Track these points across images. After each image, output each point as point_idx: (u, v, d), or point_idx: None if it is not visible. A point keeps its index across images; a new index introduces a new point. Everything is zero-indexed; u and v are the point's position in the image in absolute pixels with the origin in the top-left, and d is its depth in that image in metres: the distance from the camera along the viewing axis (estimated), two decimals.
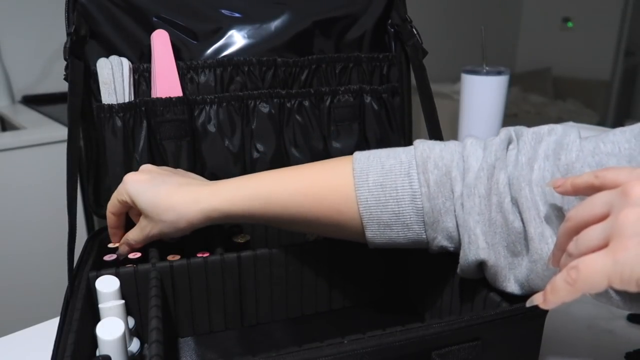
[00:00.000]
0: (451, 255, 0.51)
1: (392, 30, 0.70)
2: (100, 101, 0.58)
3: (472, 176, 0.43)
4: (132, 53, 0.61)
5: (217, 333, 0.54)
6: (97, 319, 0.44)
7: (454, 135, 0.94)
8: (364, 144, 0.69)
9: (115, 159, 0.59)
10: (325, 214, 0.47)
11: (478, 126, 0.94)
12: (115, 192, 0.52)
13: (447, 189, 0.44)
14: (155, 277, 0.48)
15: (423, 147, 0.46)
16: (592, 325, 0.56)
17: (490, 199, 0.42)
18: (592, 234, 0.30)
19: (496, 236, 0.42)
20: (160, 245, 0.54)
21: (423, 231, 0.45)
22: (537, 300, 0.32)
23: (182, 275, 0.51)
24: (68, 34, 0.56)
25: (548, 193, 0.39)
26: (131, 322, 0.49)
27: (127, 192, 0.50)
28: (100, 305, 0.45)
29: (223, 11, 0.64)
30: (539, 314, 0.42)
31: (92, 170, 0.60)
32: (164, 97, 0.59)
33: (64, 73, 0.55)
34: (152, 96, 0.60)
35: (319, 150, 0.67)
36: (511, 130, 0.45)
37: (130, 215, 0.54)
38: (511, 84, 0.98)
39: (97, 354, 0.41)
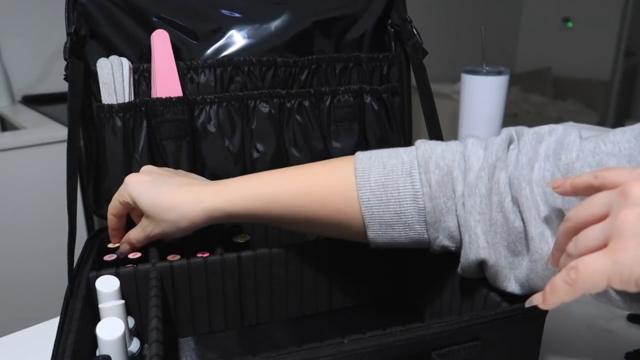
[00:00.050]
0: (451, 255, 0.51)
1: (392, 30, 0.70)
2: (100, 101, 0.58)
3: (473, 176, 0.43)
4: (132, 53, 0.61)
5: (217, 333, 0.54)
6: (97, 319, 0.44)
7: (454, 135, 0.94)
8: (364, 144, 0.69)
9: (115, 159, 0.59)
10: (327, 213, 0.47)
11: (478, 126, 0.94)
12: (117, 193, 0.52)
13: (448, 188, 0.44)
14: (155, 277, 0.48)
15: (425, 147, 0.46)
16: (592, 325, 0.56)
17: (491, 198, 0.42)
18: (591, 235, 0.30)
19: (497, 236, 0.42)
20: (160, 245, 0.54)
21: (425, 231, 0.46)
22: (536, 300, 0.32)
23: (182, 275, 0.51)
24: (68, 34, 0.56)
25: (548, 193, 0.40)
26: (131, 322, 0.49)
27: (129, 193, 0.50)
28: (100, 305, 0.45)
29: (223, 11, 0.64)
30: (539, 314, 0.42)
31: (92, 170, 0.60)
32: (164, 97, 0.59)
33: (64, 73, 0.55)
34: (152, 96, 0.60)
35: (319, 150, 0.67)
36: (512, 130, 0.45)
37: (131, 217, 0.54)
38: (511, 84, 0.98)
39: (97, 354, 0.41)
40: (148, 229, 0.50)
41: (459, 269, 0.47)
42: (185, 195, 0.49)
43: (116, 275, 0.48)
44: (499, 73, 0.92)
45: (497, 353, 0.41)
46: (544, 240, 0.39)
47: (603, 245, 0.29)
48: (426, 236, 0.46)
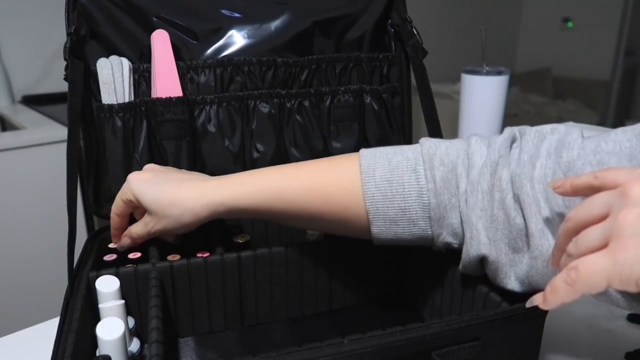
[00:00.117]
0: (451, 255, 0.51)
1: (392, 30, 0.70)
2: (100, 101, 0.58)
3: (475, 172, 0.44)
4: (132, 53, 0.61)
5: (217, 333, 0.54)
6: (97, 319, 0.44)
7: (454, 135, 0.94)
8: (364, 144, 0.68)
9: (115, 159, 0.59)
10: (331, 209, 0.47)
11: (478, 126, 0.94)
12: (119, 192, 0.52)
13: (452, 185, 0.45)
14: (155, 277, 0.48)
15: (429, 144, 0.47)
16: (592, 325, 0.56)
17: (493, 195, 0.42)
18: (591, 235, 0.30)
19: (498, 232, 0.43)
20: (160, 245, 0.54)
21: (429, 227, 0.46)
22: (536, 300, 0.32)
23: (182, 275, 0.51)
24: (68, 34, 0.56)
25: (549, 190, 0.40)
26: (131, 322, 0.49)
27: (132, 191, 0.50)
28: (100, 305, 0.45)
29: (223, 11, 0.64)
30: (539, 314, 0.42)
31: (92, 170, 0.60)
32: (164, 97, 0.59)
33: (64, 73, 0.55)
34: (152, 96, 0.60)
35: (319, 150, 0.67)
36: (515, 129, 0.46)
37: (134, 216, 0.54)
38: (511, 84, 0.98)
39: (97, 354, 0.41)
40: (150, 225, 0.50)
41: (460, 266, 0.47)
42: (188, 190, 0.49)
43: (116, 275, 0.48)
44: (499, 73, 0.92)
45: (497, 353, 0.41)
46: (544, 237, 0.40)
47: (603, 246, 0.29)
48: (430, 233, 0.46)
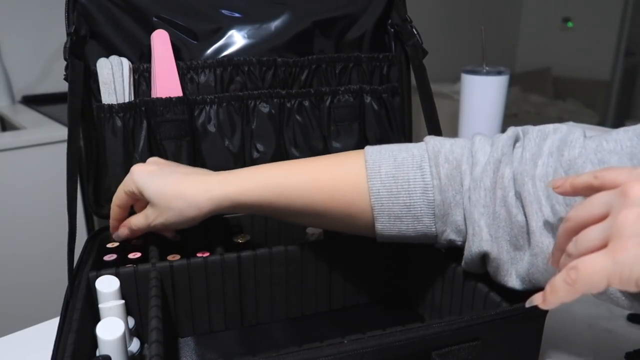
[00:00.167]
0: (451, 255, 0.51)
1: (392, 30, 0.70)
2: (100, 101, 0.58)
3: (479, 170, 0.44)
4: (132, 53, 0.61)
5: (217, 333, 0.54)
6: (97, 319, 0.44)
7: (454, 135, 0.93)
8: (364, 144, 0.68)
9: (115, 159, 0.59)
10: (336, 205, 0.47)
11: (478, 126, 0.94)
12: (122, 184, 0.51)
13: (457, 182, 0.45)
14: (155, 277, 0.48)
15: (434, 142, 0.47)
16: (592, 325, 0.56)
17: (495, 192, 0.43)
18: (591, 235, 0.30)
19: (499, 230, 0.43)
20: (160, 245, 0.54)
21: (433, 224, 0.46)
22: (536, 300, 0.32)
23: (182, 275, 0.51)
24: (68, 34, 0.56)
25: (551, 188, 0.40)
26: (131, 322, 0.49)
27: (135, 183, 0.50)
28: (100, 305, 0.45)
29: (223, 11, 0.64)
30: (539, 313, 0.42)
31: (92, 170, 0.60)
32: (164, 97, 0.59)
33: (64, 73, 0.55)
34: (152, 96, 0.60)
35: (319, 150, 0.67)
36: (518, 129, 0.46)
37: (135, 209, 0.54)
38: (511, 84, 0.98)
39: (97, 354, 0.41)
40: (151, 218, 0.50)
41: (462, 263, 0.47)
42: (193, 184, 0.49)
43: (116, 275, 0.48)
44: (499, 73, 0.92)
45: (497, 353, 0.41)
46: (544, 235, 0.40)
47: (603, 246, 0.29)
48: (434, 230, 0.46)
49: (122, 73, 0.59)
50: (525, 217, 0.41)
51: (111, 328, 0.40)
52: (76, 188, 0.52)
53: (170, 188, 0.49)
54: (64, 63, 0.55)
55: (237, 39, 0.64)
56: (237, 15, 0.64)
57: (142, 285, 0.49)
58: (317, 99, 0.66)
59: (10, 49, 1.79)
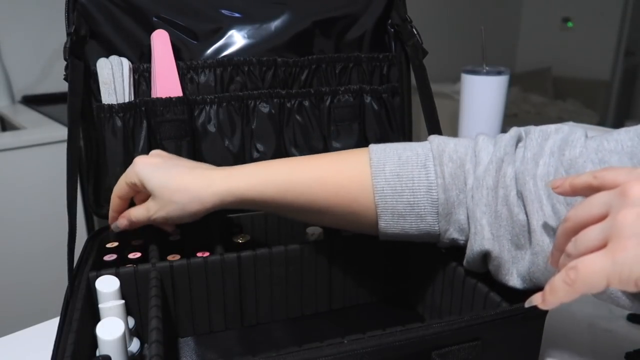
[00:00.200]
0: (452, 255, 0.51)
1: (392, 30, 0.70)
2: (100, 101, 0.58)
3: (482, 169, 0.44)
4: (132, 53, 0.61)
5: (217, 333, 0.54)
6: (97, 319, 0.44)
7: (454, 135, 0.94)
8: (364, 144, 0.68)
9: (115, 159, 0.59)
10: (340, 202, 0.47)
11: (478, 126, 0.94)
12: (124, 175, 0.51)
13: (460, 181, 0.45)
14: (155, 277, 0.48)
15: (438, 141, 0.47)
16: (592, 325, 0.56)
17: (497, 191, 0.43)
18: (590, 235, 0.30)
19: (501, 229, 0.43)
20: (160, 245, 0.54)
21: (436, 223, 0.46)
22: (535, 300, 0.32)
23: (182, 275, 0.51)
24: (68, 34, 0.56)
25: None
26: (131, 322, 0.49)
27: (137, 174, 0.49)
28: (100, 305, 0.45)
29: (223, 11, 0.64)
30: (539, 314, 0.42)
31: (92, 170, 0.60)
32: (164, 97, 0.59)
33: (64, 73, 0.55)
34: (152, 96, 0.60)
35: (319, 150, 0.67)
36: (521, 129, 0.46)
37: (135, 201, 0.53)
38: (511, 84, 0.98)
39: (97, 354, 0.41)
40: (152, 210, 0.50)
41: (464, 262, 0.47)
42: (197, 178, 0.49)
43: (116, 275, 0.48)
44: (499, 73, 0.92)
45: (497, 353, 0.41)
46: (545, 233, 0.40)
47: (602, 246, 0.29)
48: (437, 228, 0.46)
49: (122, 73, 0.59)
50: (527, 216, 0.41)
51: (111, 328, 0.40)
52: (76, 188, 0.52)
53: (173, 181, 0.48)
54: (64, 63, 0.55)
55: (237, 39, 0.64)
56: (237, 15, 0.64)
57: (142, 285, 0.49)
58: (317, 99, 0.66)
59: (10, 49, 1.79)
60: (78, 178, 0.54)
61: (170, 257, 0.52)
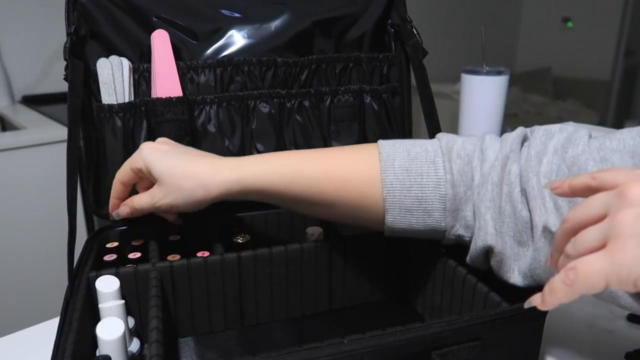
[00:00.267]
0: (452, 256, 0.51)
1: (392, 30, 0.70)
2: (100, 101, 0.58)
3: (488, 165, 0.45)
4: (132, 53, 0.61)
5: (217, 333, 0.54)
6: (97, 319, 0.44)
7: None
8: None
9: (115, 159, 0.59)
10: (347, 196, 0.48)
11: (478, 126, 0.94)
12: (129, 160, 0.51)
13: (468, 177, 0.46)
14: (155, 277, 0.48)
15: (447, 138, 0.48)
16: (592, 325, 0.56)
17: (502, 188, 0.44)
18: (589, 235, 0.30)
19: (504, 225, 0.44)
20: (160, 245, 0.54)
21: (443, 219, 0.46)
22: (535, 301, 0.32)
23: (182, 275, 0.51)
24: (68, 34, 0.56)
25: None
26: (131, 322, 0.49)
27: (143, 159, 0.49)
28: (100, 305, 0.45)
29: (223, 11, 0.64)
30: (539, 314, 0.42)
31: (92, 170, 0.60)
32: (164, 97, 0.59)
33: (64, 73, 0.55)
34: (152, 96, 0.60)
35: None
36: (526, 129, 0.47)
37: (137, 188, 0.53)
38: (511, 84, 0.98)
39: (97, 354, 0.41)
40: (157, 197, 0.49)
41: (467, 258, 0.48)
42: (205, 165, 0.48)
43: (116, 275, 0.48)
44: (499, 73, 0.92)
45: (497, 353, 0.41)
46: (547, 229, 0.40)
47: (601, 246, 0.29)
48: (443, 224, 0.47)
49: (122, 73, 0.59)
50: (529, 212, 0.42)
51: (111, 328, 0.40)
52: (76, 188, 0.52)
53: (180, 167, 0.48)
54: (64, 63, 0.55)
55: (237, 39, 0.64)
56: (237, 15, 0.64)
57: (142, 285, 0.49)
58: (317, 99, 0.66)
59: (10, 49, 1.79)
60: (78, 178, 0.54)
61: (170, 257, 0.52)
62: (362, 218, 0.49)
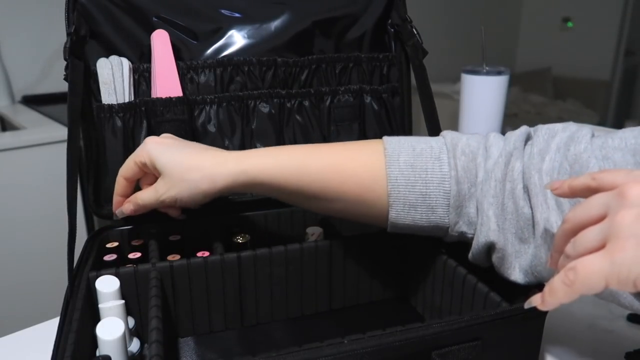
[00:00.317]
0: (452, 256, 0.51)
1: (392, 30, 0.70)
2: (100, 101, 0.58)
3: (491, 162, 0.45)
4: (132, 53, 0.61)
5: (217, 333, 0.54)
6: (97, 319, 0.44)
7: None
8: None
9: (115, 159, 0.59)
10: (352, 190, 0.48)
11: (478, 126, 0.94)
12: (133, 154, 0.51)
13: (472, 174, 0.46)
14: (155, 277, 0.48)
15: (452, 135, 0.48)
16: (592, 325, 0.56)
17: (505, 184, 0.44)
18: (589, 236, 0.30)
19: (506, 222, 0.44)
20: (160, 245, 0.54)
21: (446, 215, 0.47)
22: (535, 301, 0.32)
23: (182, 275, 0.51)
24: (68, 34, 0.56)
25: (556, 180, 0.41)
26: (131, 322, 0.49)
27: (148, 152, 0.49)
28: (100, 305, 0.45)
29: (223, 11, 0.64)
30: (539, 313, 0.42)
31: (92, 170, 0.60)
32: (164, 97, 0.59)
33: (64, 73, 0.55)
34: (152, 96, 0.60)
35: None
36: (530, 128, 0.47)
37: (141, 185, 0.53)
38: (511, 84, 0.98)
39: (97, 354, 0.41)
40: (161, 191, 0.49)
41: (469, 255, 0.48)
42: (210, 157, 0.48)
43: (116, 275, 0.48)
44: (499, 73, 0.92)
45: (497, 353, 0.41)
46: (548, 226, 0.40)
47: (601, 247, 0.29)
48: (447, 221, 0.47)
49: (122, 73, 0.59)
50: (531, 209, 0.42)
51: (111, 328, 0.40)
52: (76, 188, 0.52)
53: (185, 159, 0.48)
54: (64, 63, 0.55)
55: (237, 39, 0.64)
56: (237, 15, 0.64)
57: (142, 285, 0.49)
58: (317, 99, 0.66)
59: (10, 49, 1.79)
60: (78, 178, 0.54)
61: (170, 257, 0.52)
62: (366, 213, 0.49)
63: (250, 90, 0.64)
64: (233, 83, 0.63)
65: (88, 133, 0.59)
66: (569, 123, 0.45)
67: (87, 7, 0.59)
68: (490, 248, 0.46)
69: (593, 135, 0.42)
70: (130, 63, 0.60)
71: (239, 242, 0.59)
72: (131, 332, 0.47)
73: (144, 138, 0.59)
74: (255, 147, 0.64)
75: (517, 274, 0.44)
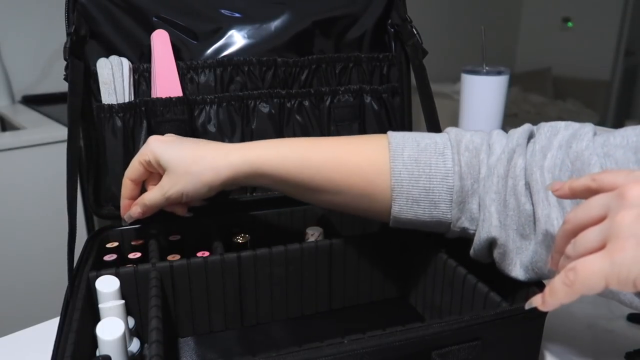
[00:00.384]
0: (452, 256, 0.51)
1: (392, 30, 0.70)
2: (100, 101, 0.59)
3: (494, 158, 0.45)
4: (132, 53, 0.61)
5: (217, 333, 0.54)
6: (97, 319, 0.44)
7: None
8: None
9: (115, 159, 0.59)
10: (355, 184, 0.48)
11: (478, 126, 0.94)
12: (137, 155, 0.51)
13: (475, 170, 0.46)
14: (155, 277, 0.48)
15: (456, 131, 0.49)
16: (592, 325, 0.56)
17: (507, 181, 0.44)
18: (589, 236, 0.30)
19: (508, 218, 0.44)
20: (160, 245, 0.54)
21: (449, 210, 0.47)
22: (535, 302, 0.32)
23: (182, 275, 0.51)
24: (68, 34, 0.56)
25: (557, 179, 0.41)
26: (131, 322, 0.49)
27: (151, 150, 0.49)
28: (100, 305, 0.45)
29: (223, 11, 0.64)
30: (539, 314, 0.42)
31: (92, 170, 0.60)
32: (164, 97, 0.59)
33: (64, 73, 0.55)
34: (152, 96, 0.60)
35: None
36: (533, 126, 0.47)
37: (147, 186, 0.53)
38: (511, 84, 0.98)
39: (97, 354, 0.41)
40: (166, 187, 0.49)
41: (470, 251, 0.48)
42: (213, 149, 0.49)
43: (116, 275, 0.48)
44: (499, 73, 0.92)
45: (497, 353, 0.41)
46: (549, 222, 0.41)
47: (601, 247, 0.29)
48: (449, 216, 0.47)
49: (122, 73, 0.59)
50: (533, 205, 0.42)
51: (111, 328, 0.40)
52: (76, 188, 0.52)
53: (189, 153, 0.49)
54: (64, 63, 0.55)
55: (237, 39, 0.64)
56: (237, 15, 0.64)
57: (142, 285, 0.49)
58: (317, 99, 0.66)
59: (10, 49, 1.79)
60: (78, 178, 0.54)
61: (170, 257, 0.52)
62: (368, 207, 0.49)
63: (250, 90, 0.64)
64: (233, 83, 0.63)
65: (88, 133, 0.59)
66: (572, 122, 0.45)
67: (87, 7, 0.59)
68: (491, 244, 0.46)
69: (595, 133, 0.42)
70: (130, 63, 0.60)
71: (239, 242, 0.59)
72: (131, 332, 0.47)
73: (144, 138, 0.59)
74: None
75: (517, 270, 0.45)
